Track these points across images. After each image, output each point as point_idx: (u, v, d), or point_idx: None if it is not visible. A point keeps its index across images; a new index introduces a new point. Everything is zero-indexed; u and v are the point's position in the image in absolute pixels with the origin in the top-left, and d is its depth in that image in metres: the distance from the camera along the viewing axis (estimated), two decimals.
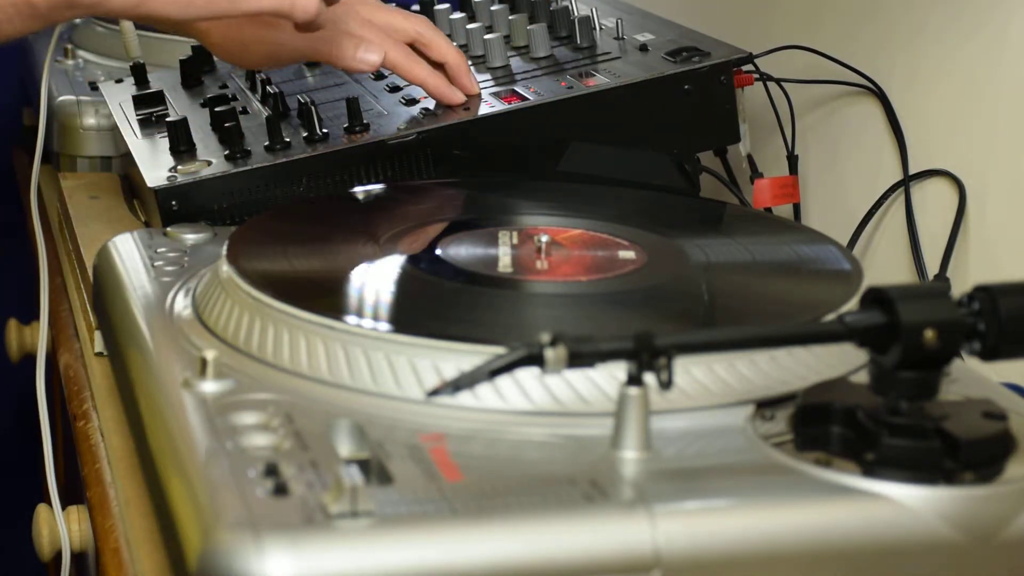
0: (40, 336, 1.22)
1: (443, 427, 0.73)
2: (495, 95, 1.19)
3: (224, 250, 0.91)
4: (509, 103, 1.17)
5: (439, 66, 1.18)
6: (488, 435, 0.73)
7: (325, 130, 1.15)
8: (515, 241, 0.96)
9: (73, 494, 1.13)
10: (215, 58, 1.39)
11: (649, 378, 0.68)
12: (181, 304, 0.91)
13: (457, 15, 1.38)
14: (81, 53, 1.64)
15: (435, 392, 0.69)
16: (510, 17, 1.32)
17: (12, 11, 0.97)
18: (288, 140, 1.15)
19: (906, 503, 0.67)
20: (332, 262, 0.94)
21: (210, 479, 0.67)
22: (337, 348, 0.79)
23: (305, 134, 1.15)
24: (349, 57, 1.13)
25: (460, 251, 0.95)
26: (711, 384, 0.77)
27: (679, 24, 1.31)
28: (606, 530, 0.65)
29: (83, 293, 1.17)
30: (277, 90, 1.23)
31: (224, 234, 0.99)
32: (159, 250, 1.00)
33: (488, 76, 1.24)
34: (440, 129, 1.15)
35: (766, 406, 0.77)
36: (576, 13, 1.32)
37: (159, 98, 1.30)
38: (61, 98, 1.47)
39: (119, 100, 1.33)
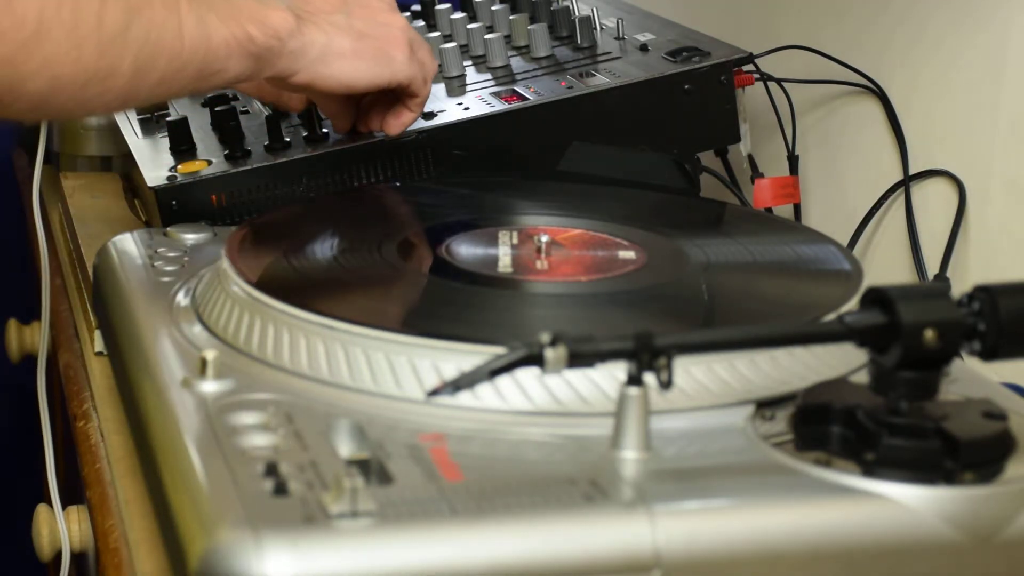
0: (42, 336, 1.22)
1: (443, 427, 0.73)
2: (495, 95, 1.19)
3: (224, 250, 0.91)
4: (509, 103, 1.17)
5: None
6: (488, 435, 0.73)
7: (325, 130, 1.15)
8: (515, 241, 0.96)
9: (73, 494, 1.13)
10: None
11: (649, 378, 0.68)
12: (181, 304, 0.91)
13: (458, 15, 1.38)
14: None
15: (435, 392, 0.69)
16: (511, 17, 1.32)
17: (235, 45, 0.93)
18: (288, 140, 1.14)
19: (906, 503, 0.67)
20: (332, 262, 0.94)
21: (210, 479, 0.67)
22: (337, 348, 0.79)
23: (305, 134, 1.15)
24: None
25: (460, 251, 0.95)
26: (711, 384, 0.77)
27: (679, 24, 1.31)
28: (606, 530, 0.64)
29: (83, 293, 1.17)
30: None
31: (224, 234, 0.99)
32: (159, 250, 1.00)
33: (488, 76, 1.24)
34: (440, 129, 1.15)
35: (766, 406, 0.77)
36: (577, 13, 1.31)
37: None
38: None
39: None
